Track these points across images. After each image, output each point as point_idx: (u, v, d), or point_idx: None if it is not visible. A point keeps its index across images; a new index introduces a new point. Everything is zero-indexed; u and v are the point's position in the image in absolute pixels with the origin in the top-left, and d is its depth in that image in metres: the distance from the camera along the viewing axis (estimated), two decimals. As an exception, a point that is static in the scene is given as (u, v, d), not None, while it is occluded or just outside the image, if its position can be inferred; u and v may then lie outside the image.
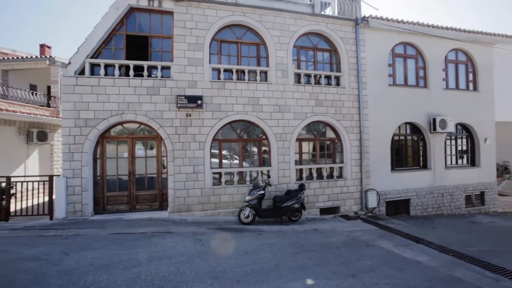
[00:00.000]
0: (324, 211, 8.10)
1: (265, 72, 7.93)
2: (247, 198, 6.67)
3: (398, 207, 9.14)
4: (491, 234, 7.44)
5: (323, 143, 8.56)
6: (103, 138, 6.94)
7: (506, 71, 10.94)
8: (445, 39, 9.77)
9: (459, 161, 10.41)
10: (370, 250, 5.21)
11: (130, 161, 7.06)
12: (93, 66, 6.85)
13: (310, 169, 8.20)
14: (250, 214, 6.66)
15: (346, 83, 8.46)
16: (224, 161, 7.68)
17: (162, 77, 7.08)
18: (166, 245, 4.94)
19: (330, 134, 8.62)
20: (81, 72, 6.71)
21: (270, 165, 7.75)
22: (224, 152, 7.72)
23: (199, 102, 7.06)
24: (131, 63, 6.91)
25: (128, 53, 7.25)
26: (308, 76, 8.29)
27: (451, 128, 9.27)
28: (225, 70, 7.60)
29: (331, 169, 8.46)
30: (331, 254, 4.82)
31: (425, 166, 9.66)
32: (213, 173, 7.38)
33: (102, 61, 6.76)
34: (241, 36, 7.86)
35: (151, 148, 7.33)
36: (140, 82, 6.89)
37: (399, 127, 9.34)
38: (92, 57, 6.83)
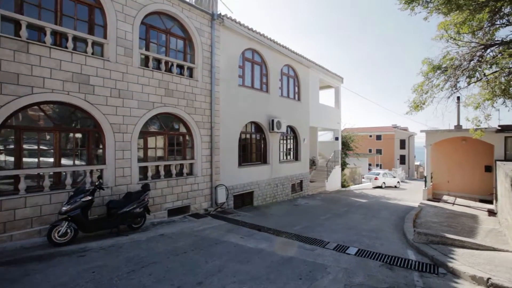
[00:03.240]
0: (172, 212, 7.37)
1: (101, 45, 6.20)
2: (65, 208, 4.84)
3: (244, 199, 9.87)
4: (307, 213, 9.43)
5: (172, 138, 7.79)
6: None
7: (313, 90, 14.53)
8: (282, 54, 11.62)
9: (288, 157, 12.74)
10: (219, 247, 5.04)
11: None
12: None
13: (157, 166, 7.22)
14: (69, 230, 4.87)
15: (200, 76, 8.14)
16: (26, 159, 5.29)
17: None
18: None
19: (181, 128, 7.99)
20: None
21: (104, 163, 6.11)
22: (27, 146, 5.32)
23: (-27, 64, 4.42)
24: None
25: None
26: (159, 61, 7.29)
27: (284, 129, 11.10)
28: (32, 27, 5.26)
29: (181, 166, 7.86)
30: (177, 263, 4.20)
31: (265, 161, 11.04)
32: (3, 177, 4.90)
33: None
34: (64, -13, 5.72)
35: None
36: None
37: (246, 125, 10.12)
38: None
